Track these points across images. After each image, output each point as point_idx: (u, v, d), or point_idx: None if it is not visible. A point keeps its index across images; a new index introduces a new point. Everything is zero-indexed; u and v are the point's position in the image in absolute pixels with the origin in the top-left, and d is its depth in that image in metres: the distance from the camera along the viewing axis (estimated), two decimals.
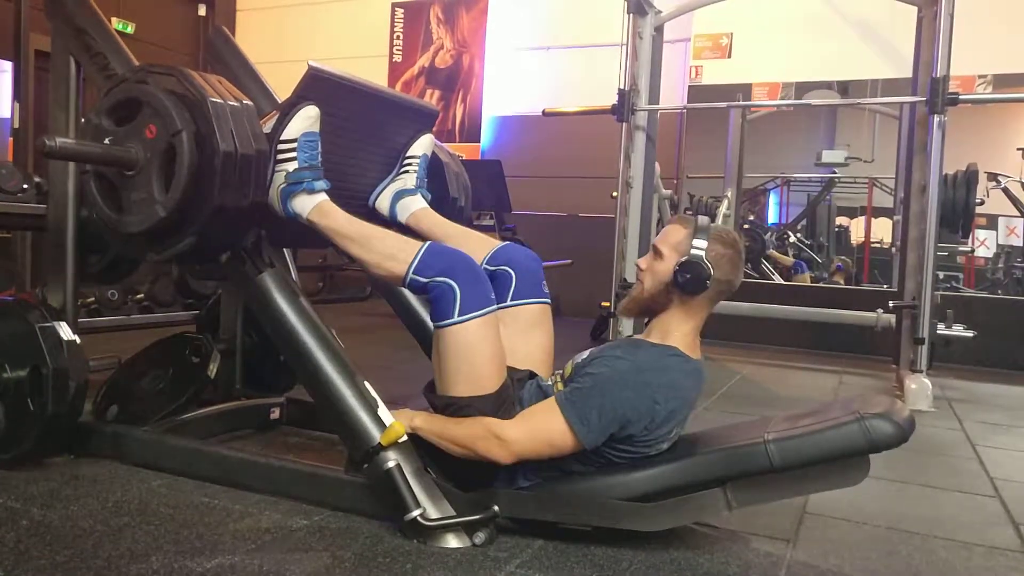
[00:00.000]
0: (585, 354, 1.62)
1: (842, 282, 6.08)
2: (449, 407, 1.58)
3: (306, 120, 1.68)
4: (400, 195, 1.95)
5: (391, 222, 1.93)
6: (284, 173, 1.68)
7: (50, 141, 1.54)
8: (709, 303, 1.59)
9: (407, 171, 1.99)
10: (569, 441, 1.46)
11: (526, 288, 1.75)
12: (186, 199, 1.59)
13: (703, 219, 1.58)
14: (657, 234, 1.65)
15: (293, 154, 1.67)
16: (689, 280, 1.52)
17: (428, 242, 1.65)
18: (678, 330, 1.57)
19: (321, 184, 1.70)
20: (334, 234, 1.69)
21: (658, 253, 1.59)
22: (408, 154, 2.00)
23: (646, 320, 1.66)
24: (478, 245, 1.80)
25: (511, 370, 1.64)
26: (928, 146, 3.36)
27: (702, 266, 1.52)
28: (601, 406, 1.45)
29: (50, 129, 2.05)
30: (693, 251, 1.53)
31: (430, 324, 1.65)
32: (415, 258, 1.59)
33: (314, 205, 1.69)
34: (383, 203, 1.97)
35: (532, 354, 1.73)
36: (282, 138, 1.67)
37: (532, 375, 1.69)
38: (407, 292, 2.11)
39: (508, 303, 1.72)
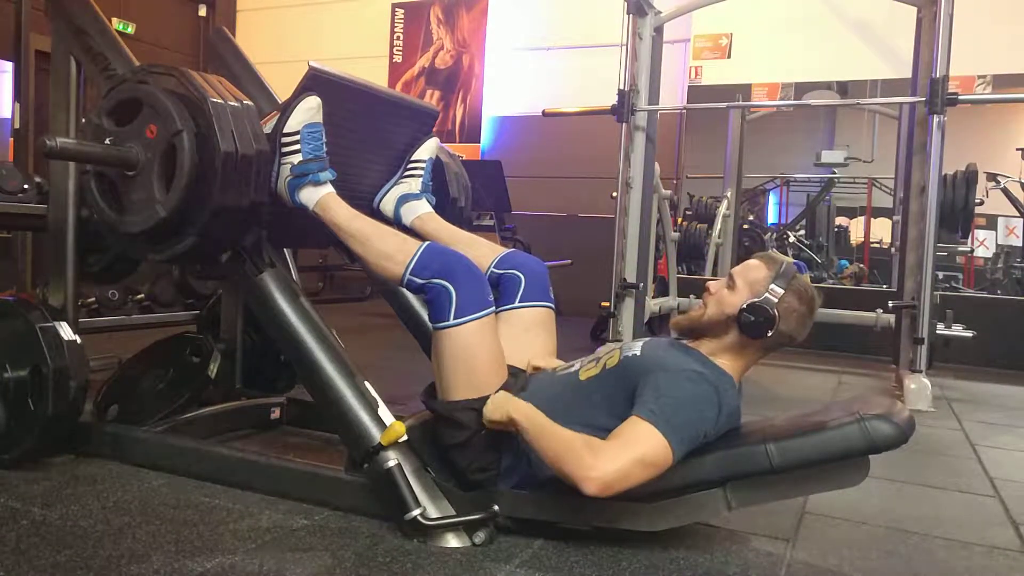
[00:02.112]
0: (637, 349, 1.54)
1: (848, 284, 6.08)
2: (449, 409, 1.57)
3: (307, 111, 1.68)
4: (405, 199, 1.96)
5: (395, 225, 1.93)
6: (290, 166, 1.68)
7: (50, 141, 1.54)
8: (763, 350, 1.55)
9: (413, 175, 1.99)
10: (665, 458, 1.36)
11: (534, 292, 1.75)
12: (187, 199, 1.59)
13: (790, 266, 1.54)
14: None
15: (297, 147, 1.68)
16: (752, 323, 1.49)
17: (427, 242, 1.65)
18: (729, 362, 1.54)
19: (326, 175, 1.70)
20: (336, 228, 1.69)
21: (732, 283, 1.55)
22: (414, 158, 2.00)
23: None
24: (485, 251, 1.80)
25: (514, 369, 1.64)
26: (928, 146, 3.36)
27: (769, 313, 1.48)
28: (689, 424, 1.40)
29: (51, 129, 2.05)
30: (767, 295, 1.50)
31: (430, 325, 1.64)
32: (412, 259, 1.59)
33: (319, 198, 1.69)
34: (387, 206, 1.97)
35: (537, 355, 1.73)
36: (284, 131, 1.67)
37: (534, 375, 1.68)
38: (407, 292, 2.11)
39: (516, 304, 1.73)
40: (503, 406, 1.47)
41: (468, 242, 1.84)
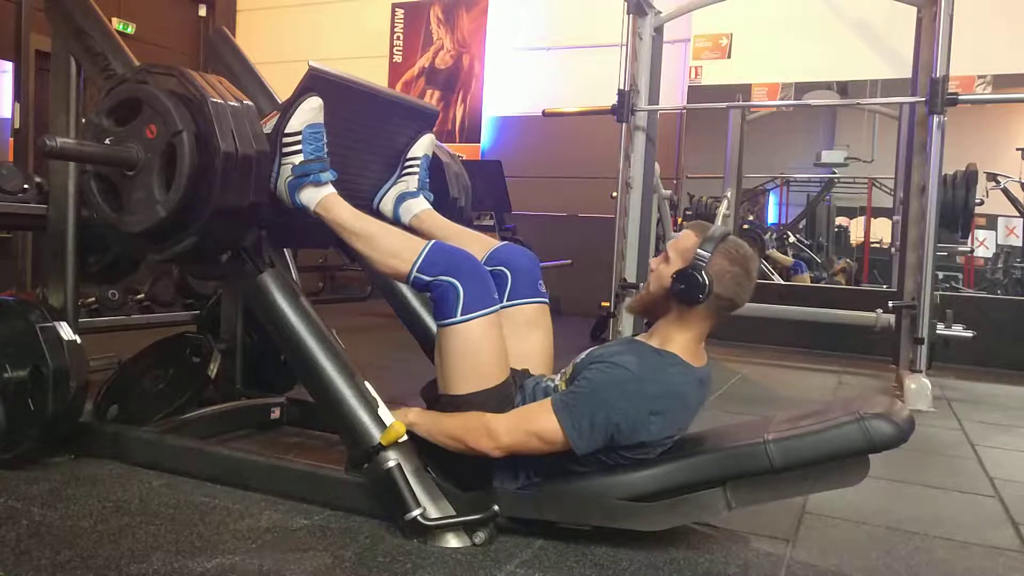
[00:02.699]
0: (584, 353, 1.61)
1: (843, 281, 6.08)
2: (451, 404, 1.58)
3: (309, 112, 1.68)
4: (403, 197, 1.96)
5: (394, 224, 1.93)
6: (290, 166, 1.68)
7: (51, 141, 1.54)
8: (709, 317, 1.54)
9: (410, 173, 1.99)
10: (561, 443, 1.45)
11: (523, 288, 1.75)
12: (187, 199, 1.59)
13: (718, 229, 1.54)
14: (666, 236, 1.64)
15: (298, 147, 1.67)
16: (683, 290, 1.50)
17: (433, 240, 1.65)
18: (679, 337, 1.54)
19: (327, 176, 1.70)
20: (339, 228, 1.69)
21: (667, 257, 1.57)
22: (409, 156, 2.00)
23: (646, 321, 1.66)
24: (479, 246, 1.80)
25: (511, 370, 1.64)
26: (928, 146, 3.36)
27: (698, 278, 1.48)
28: (594, 414, 1.44)
29: (51, 129, 2.05)
30: (695, 261, 1.50)
31: (430, 324, 1.64)
32: (419, 256, 1.59)
33: (320, 198, 1.69)
34: (387, 205, 1.97)
35: (530, 354, 1.72)
36: (286, 131, 1.67)
37: (529, 375, 1.69)
38: (407, 292, 2.11)
39: (505, 303, 1.71)
40: (401, 416, 1.60)
41: (463, 237, 1.85)
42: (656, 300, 1.58)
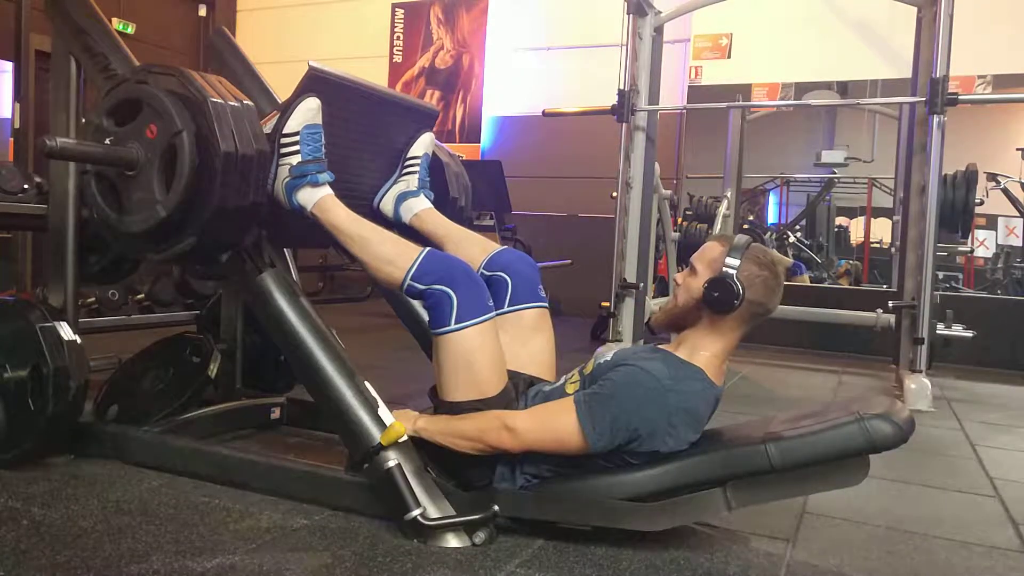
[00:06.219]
0: (609, 355, 1.60)
1: (846, 284, 6.08)
2: (452, 411, 1.58)
3: (307, 112, 1.68)
4: (403, 197, 1.96)
5: (395, 224, 1.93)
6: (288, 167, 1.68)
7: (51, 141, 1.54)
8: (741, 325, 1.55)
9: (410, 172, 1.99)
10: (578, 442, 1.45)
11: (523, 293, 1.75)
12: (187, 199, 1.59)
13: (742, 238, 1.56)
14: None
15: (296, 147, 1.68)
16: (717, 298, 1.50)
17: (427, 249, 1.65)
18: (707, 350, 1.54)
19: (325, 177, 1.70)
20: (335, 231, 1.69)
21: (693, 269, 1.57)
22: (409, 155, 2.00)
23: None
24: (478, 248, 1.80)
25: (513, 374, 1.65)
26: (928, 146, 3.36)
27: (731, 285, 1.49)
28: (616, 416, 1.43)
29: (51, 129, 2.05)
30: (724, 269, 1.51)
31: (430, 330, 1.63)
32: (413, 264, 1.59)
33: (317, 200, 1.69)
34: (387, 205, 1.97)
35: (533, 358, 1.73)
36: (284, 131, 1.67)
37: (532, 382, 1.69)
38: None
39: (506, 308, 1.72)
40: (407, 422, 1.59)
41: (463, 238, 1.85)
42: (686, 312, 1.57)
